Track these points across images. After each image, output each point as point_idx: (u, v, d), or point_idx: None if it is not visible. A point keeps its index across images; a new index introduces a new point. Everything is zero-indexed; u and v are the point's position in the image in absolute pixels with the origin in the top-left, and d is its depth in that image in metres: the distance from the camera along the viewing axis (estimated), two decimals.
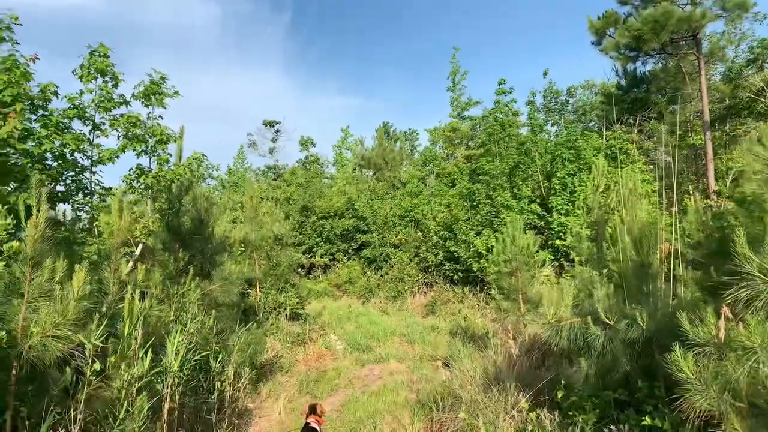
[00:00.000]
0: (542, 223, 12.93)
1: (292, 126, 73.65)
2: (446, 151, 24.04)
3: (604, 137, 14.24)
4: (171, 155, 7.50)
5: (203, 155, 7.77)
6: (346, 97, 70.70)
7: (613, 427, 4.28)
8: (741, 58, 16.39)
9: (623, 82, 17.58)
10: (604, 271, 6.55)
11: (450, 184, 18.84)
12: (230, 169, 30.56)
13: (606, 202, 8.04)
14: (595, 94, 23.83)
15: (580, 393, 4.96)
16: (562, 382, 5.29)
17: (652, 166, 13.10)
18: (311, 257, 21.01)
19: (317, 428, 5.58)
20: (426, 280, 16.29)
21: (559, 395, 4.90)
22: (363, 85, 73.76)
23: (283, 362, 9.80)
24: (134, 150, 7.11)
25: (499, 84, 15.68)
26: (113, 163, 7.04)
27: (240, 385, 7.51)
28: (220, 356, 6.89)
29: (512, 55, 61.10)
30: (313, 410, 5.94)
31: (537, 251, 7.94)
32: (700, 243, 5.14)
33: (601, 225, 7.39)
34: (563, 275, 12.28)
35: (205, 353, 5.85)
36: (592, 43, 16.04)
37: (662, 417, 3.95)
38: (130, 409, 3.92)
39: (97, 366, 3.89)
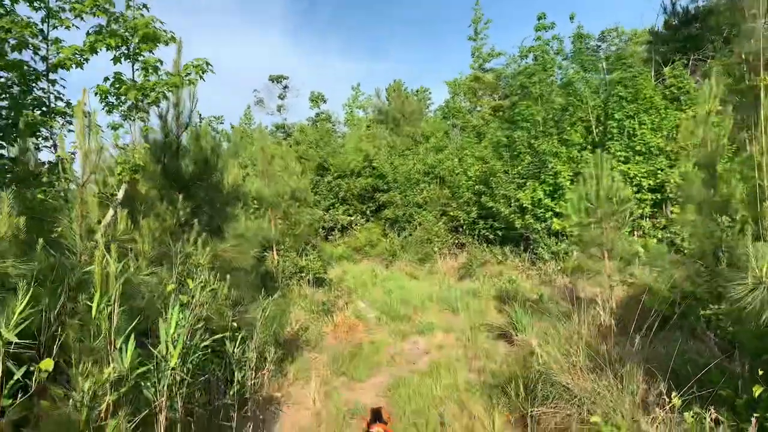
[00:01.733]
0: None
1: (301, 82, 70.58)
2: (471, 103, 22.14)
3: (654, 78, 12.37)
4: (162, 62, 5.80)
5: (207, 63, 6.04)
6: (353, 60, 67.53)
7: None
8: None
9: (674, 20, 15.57)
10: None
11: (477, 138, 17.05)
12: (234, 127, 28.72)
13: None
14: (626, 41, 21.62)
15: None
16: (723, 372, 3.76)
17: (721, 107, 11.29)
18: (331, 216, 19.44)
19: None
20: (456, 241, 14.73)
21: (757, 391, 3.31)
22: (371, 45, 70.26)
23: (309, 336, 8.35)
24: (108, 49, 5.35)
25: (539, 19, 13.64)
26: (80, 67, 5.28)
27: (264, 370, 6.07)
28: (240, 335, 5.40)
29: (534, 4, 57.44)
30: (377, 417, 4.61)
31: (628, 199, 6.27)
32: None
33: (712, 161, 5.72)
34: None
35: (219, 335, 4.29)
36: None
37: None
38: None
39: (48, 365, 2.35)
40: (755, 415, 3.21)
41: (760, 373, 3.39)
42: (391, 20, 70.76)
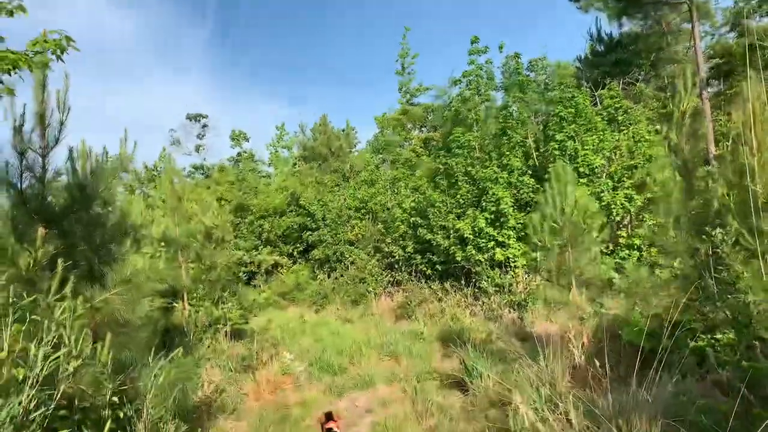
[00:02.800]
0: (538, 197, 10.77)
1: (221, 121, 68.05)
2: (400, 137, 21.62)
3: (590, 99, 12.32)
4: (2, 39, 4.45)
5: (68, 38, 4.70)
6: (277, 101, 66.30)
7: None
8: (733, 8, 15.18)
9: (600, 47, 16.00)
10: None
11: (410, 171, 16.40)
12: (147, 167, 26.63)
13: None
14: (551, 72, 22.23)
15: None
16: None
17: (656, 127, 11.30)
18: (253, 258, 17.91)
19: None
20: (392, 279, 13.74)
21: None
22: (292, 92, 69.28)
23: (226, 399, 6.95)
24: None
25: (472, 42, 13.35)
26: None
27: None
28: (124, 410, 4.08)
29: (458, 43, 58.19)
30: (330, 417, 5.54)
31: (598, 217, 5.56)
32: None
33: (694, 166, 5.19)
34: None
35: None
36: None
37: None
38: None
39: None
40: None
41: None
42: (315, 61, 70.68)
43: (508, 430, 4.21)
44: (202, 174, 28.30)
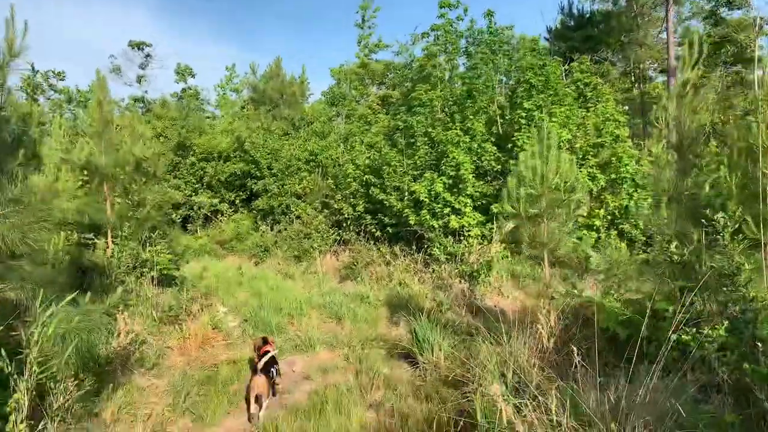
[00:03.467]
0: (499, 167, 10.27)
1: (166, 53, 63.05)
2: (357, 92, 20.56)
3: (562, 72, 11.88)
4: None
5: None
6: (227, 43, 62.28)
7: None
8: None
9: (570, 21, 15.54)
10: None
11: (367, 126, 15.53)
12: (80, 90, 24.36)
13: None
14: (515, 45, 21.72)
15: None
16: None
17: (626, 107, 11.03)
18: (191, 201, 16.72)
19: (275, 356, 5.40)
20: (339, 237, 13.05)
21: None
22: (245, 36, 65.04)
23: (147, 352, 6.15)
24: None
25: None
26: None
27: (57, 404, 3.92)
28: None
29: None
30: (265, 341, 5.69)
31: (580, 185, 5.03)
32: None
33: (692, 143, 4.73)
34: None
35: None
36: None
37: None
38: None
39: None
40: None
41: None
42: (271, 6, 66.94)
43: (469, 416, 3.69)
44: (142, 107, 26.22)
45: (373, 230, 12.09)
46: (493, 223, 9.96)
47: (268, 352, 5.27)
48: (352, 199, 12.88)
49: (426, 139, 11.21)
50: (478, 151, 10.43)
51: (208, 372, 5.83)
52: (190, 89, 26.29)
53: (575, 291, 4.94)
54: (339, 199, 13.34)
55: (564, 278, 5.10)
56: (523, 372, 4.37)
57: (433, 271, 9.89)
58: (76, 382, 4.24)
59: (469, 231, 10.01)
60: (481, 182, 10.30)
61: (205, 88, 43.35)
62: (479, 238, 9.91)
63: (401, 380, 5.30)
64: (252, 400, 4.69)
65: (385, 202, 11.23)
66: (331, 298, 9.09)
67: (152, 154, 8.53)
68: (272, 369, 5.12)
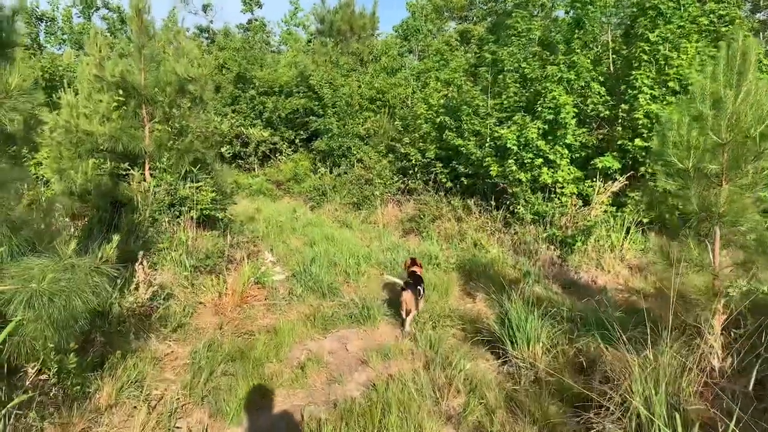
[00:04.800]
0: (606, 113, 8.42)
1: None
2: (434, 25, 18.52)
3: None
4: None
5: None
6: None
7: None
8: None
9: None
10: None
11: (443, 63, 13.71)
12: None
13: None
14: None
15: None
16: None
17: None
18: (247, 133, 15.76)
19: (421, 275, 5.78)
20: (404, 186, 11.66)
21: None
22: None
23: (173, 307, 5.12)
24: None
25: None
26: None
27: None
28: None
29: None
30: (414, 262, 6.13)
31: None
32: None
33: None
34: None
35: None
36: None
37: None
38: None
39: None
40: None
41: None
42: None
43: None
44: (207, 38, 25.25)
45: (444, 180, 10.56)
46: (592, 181, 8.24)
47: (415, 273, 5.72)
48: (421, 144, 11.35)
49: (517, 75, 9.39)
50: (582, 91, 8.56)
51: (241, 342, 4.71)
52: (256, 20, 24.92)
53: (764, 287, 3.33)
54: (406, 143, 11.83)
55: (740, 265, 3.44)
56: (680, 402, 2.93)
57: (516, 232, 8.36)
58: (58, 358, 3.18)
59: (562, 188, 8.34)
60: (583, 129, 8.50)
61: (271, 21, 41.81)
62: (574, 197, 8.23)
63: (487, 382, 3.94)
64: (403, 313, 5.14)
65: (462, 149, 9.62)
66: (393, 255, 7.82)
67: (199, 74, 7.29)
68: (419, 287, 5.34)
